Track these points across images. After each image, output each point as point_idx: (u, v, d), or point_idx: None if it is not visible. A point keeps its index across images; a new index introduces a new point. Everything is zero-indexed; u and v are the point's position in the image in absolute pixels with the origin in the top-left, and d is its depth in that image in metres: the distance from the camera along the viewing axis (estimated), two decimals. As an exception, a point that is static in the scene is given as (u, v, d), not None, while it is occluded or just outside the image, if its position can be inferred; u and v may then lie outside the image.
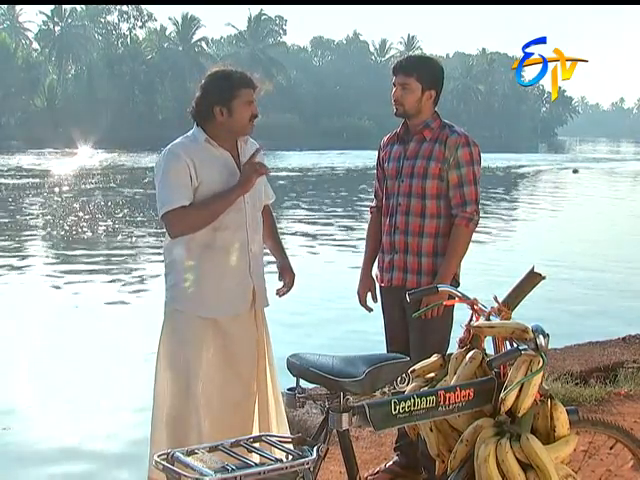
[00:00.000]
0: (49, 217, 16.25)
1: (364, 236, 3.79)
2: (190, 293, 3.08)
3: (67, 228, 14.60)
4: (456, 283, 3.35)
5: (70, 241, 13.39)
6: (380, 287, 3.60)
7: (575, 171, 36.07)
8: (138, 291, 9.23)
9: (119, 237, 13.81)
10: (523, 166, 39.94)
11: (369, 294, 3.64)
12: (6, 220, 15.45)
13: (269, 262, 3.37)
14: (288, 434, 3.07)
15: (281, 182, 24.50)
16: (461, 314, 2.68)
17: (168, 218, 3.00)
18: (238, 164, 3.13)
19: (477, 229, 3.44)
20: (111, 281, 9.82)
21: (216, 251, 3.07)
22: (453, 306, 3.16)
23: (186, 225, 3.01)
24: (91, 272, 10.31)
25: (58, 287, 9.39)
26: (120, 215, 16.64)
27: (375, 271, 3.65)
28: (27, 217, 16.10)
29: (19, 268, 10.50)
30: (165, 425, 3.07)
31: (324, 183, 27.71)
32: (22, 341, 6.79)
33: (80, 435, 4.68)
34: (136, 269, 10.76)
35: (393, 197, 3.49)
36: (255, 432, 3.11)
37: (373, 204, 3.72)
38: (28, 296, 8.79)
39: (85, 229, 14.61)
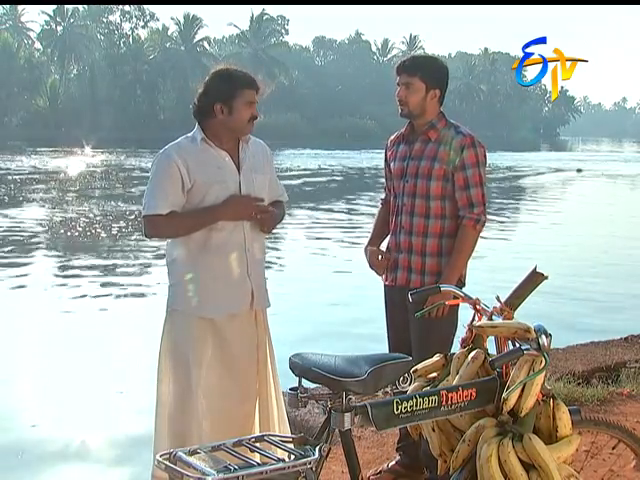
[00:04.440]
0: (52, 221, 16.24)
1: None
2: (187, 293, 3.09)
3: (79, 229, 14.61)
4: (461, 284, 3.35)
5: (73, 242, 13.40)
6: (384, 286, 3.60)
7: (579, 170, 35.79)
8: (142, 290, 9.24)
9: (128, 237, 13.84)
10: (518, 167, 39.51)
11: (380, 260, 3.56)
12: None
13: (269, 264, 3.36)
14: (289, 434, 3.07)
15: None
16: (464, 314, 2.67)
17: (145, 221, 3.10)
18: (238, 164, 3.13)
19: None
20: (115, 282, 9.83)
21: (212, 251, 3.07)
22: (457, 306, 3.16)
23: (158, 233, 3.20)
24: (98, 276, 10.31)
25: (63, 285, 9.41)
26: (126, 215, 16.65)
27: None
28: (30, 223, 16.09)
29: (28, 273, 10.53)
30: (167, 425, 3.08)
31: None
32: (43, 341, 6.81)
33: (89, 434, 4.71)
34: (143, 267, 10.79)
35: (399, 197, 3.50)
36: (256, 432, 3.10)
37: (383, 197, 3.76)
38: (32, 296, 8.80)
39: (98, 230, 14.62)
